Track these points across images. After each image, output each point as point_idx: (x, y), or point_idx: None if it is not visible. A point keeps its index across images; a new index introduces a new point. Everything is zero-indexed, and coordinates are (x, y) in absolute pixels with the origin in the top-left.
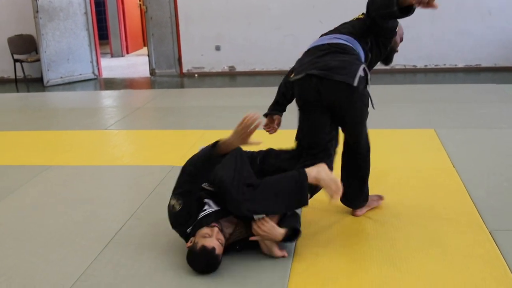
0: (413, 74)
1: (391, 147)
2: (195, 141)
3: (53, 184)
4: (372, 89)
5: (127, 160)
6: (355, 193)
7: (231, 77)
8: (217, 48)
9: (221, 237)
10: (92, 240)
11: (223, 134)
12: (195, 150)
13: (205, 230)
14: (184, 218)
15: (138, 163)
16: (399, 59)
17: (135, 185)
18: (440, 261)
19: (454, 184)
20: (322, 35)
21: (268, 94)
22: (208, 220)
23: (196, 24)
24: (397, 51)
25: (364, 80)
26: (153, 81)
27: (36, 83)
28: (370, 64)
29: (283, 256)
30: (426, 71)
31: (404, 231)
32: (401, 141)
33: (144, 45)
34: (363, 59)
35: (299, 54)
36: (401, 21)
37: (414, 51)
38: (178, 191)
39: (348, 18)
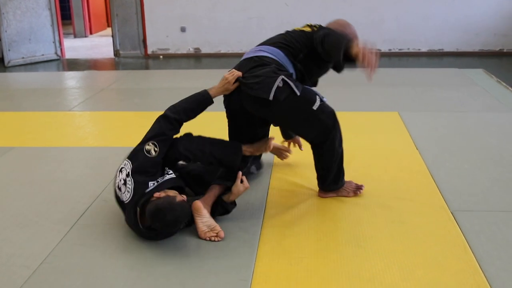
0: None
1: (355, 130)
2: None
3: (16, 166)
4: (335, 72)
5: (92, 141)
6: (322, 176)
7: (196, 58)
8: (182, 30)
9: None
10: (58, 221)
11: None
12: None
13: (172, 192)
14: (156, 168)
15: (103, 145)
16: None
17: (100, 167)
18: (403, 240)
19: (417, 166)
20: (258, 45)
21: None
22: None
23: (161, 5)
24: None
25: (286, 90)
26: (117, 62)
27: None
28: (309, 72)
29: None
30: (390, 55)
31: (368, 211)
32: (366, 123)
33: (108, 26)
34: (291, 70)
35: (263, 37)
36: (366, 3)
37: (378, 35)
38: (157, 138)
39: (312, 2)
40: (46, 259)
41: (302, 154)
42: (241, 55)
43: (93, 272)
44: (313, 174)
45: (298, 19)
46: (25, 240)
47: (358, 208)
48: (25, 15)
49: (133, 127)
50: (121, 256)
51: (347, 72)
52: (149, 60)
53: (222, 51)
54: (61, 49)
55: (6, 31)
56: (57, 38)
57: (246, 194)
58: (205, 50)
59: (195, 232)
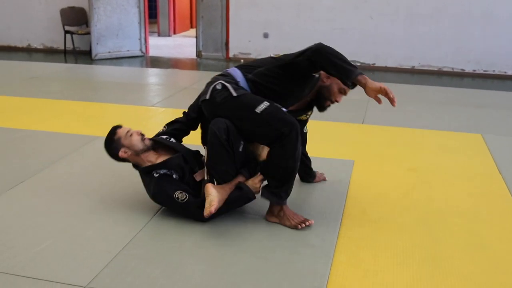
0: (460, 78)
1: (437, 148)
2: None
3: (100, 155)
4: (419, 89)
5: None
6: (268, 182)
7: None
8: (265, 36)
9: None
10: (139, 210)
11: None
12: None
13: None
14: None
15: (185, 142)
16: (447, 61)
17: None
18: (483, 265)
19: (500, 190)
20: None
21: None
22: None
23: (246, 10)
24: (332, 102)
25: (224, 92)
26: (199, 63)
27: (84, 55)
28: (267, 82)
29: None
30: (474, 75)
31: (447, 232)
32: (448, 143)
33: (191, 27)
34: (239, 79)
35: (345, 49)
36: (453, 22)
37: (463, 55)
38: None
39: (398, 17)
40: (126, 246)
41: (383, 169)
42: None
43: (170, 263)
44: (395, 188)
45: (382, 33)
46: (107, 226)
47: (437, 228)
48: (115, 11)
49: None
50: (198, 250)
51: (430, 90)
52: (229, 63)
53: None
54: (145, 46)
55: (96, 26)
56: (143, 35)
57: (323, 203)
58: None
59: (271, 236)
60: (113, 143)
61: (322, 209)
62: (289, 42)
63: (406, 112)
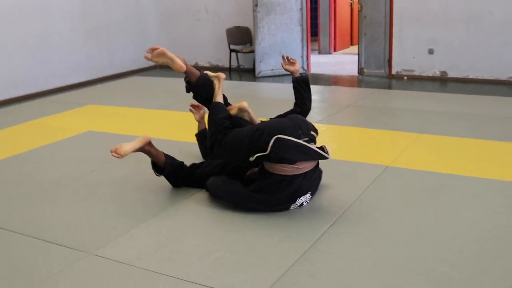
0: None
1: None
2: (409, 143)
3: None
4: None
5: (340, 155)
6: None
7: (442, 82)
8: (430, 52)
9: None
10: (307, 228)
11: (437, 139)
12: (409, 152)
13: None
14: None
15: (351, 159)
16: None
17: (350, 180)
18: None
19: None
20: None
21: (482, 103)
22: None
23: (410, 26)
24: None
25: None
26: (361, 80)
27: (247, 73)
28: None
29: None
30: None
31: None
32: None
33: (351, 44)
34: None
35: None
36: None
37: None
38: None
39: None
40: (297, 262)
41: None
42: (490, 82)
43: (340, 283)
44: None
45: None
46: (278, 240)
47: None
48: (279, 29)
49: (381, 145)
50: (368, 272)
51: None
52: (392, 80)
53: (471, 77)
54: (307, 64)
55: (260, 44)
56: (305, 53)
57: None
58: (452, 74)
59: (454, 261)
60: None
61: None
62: (456, 59)
63: None
